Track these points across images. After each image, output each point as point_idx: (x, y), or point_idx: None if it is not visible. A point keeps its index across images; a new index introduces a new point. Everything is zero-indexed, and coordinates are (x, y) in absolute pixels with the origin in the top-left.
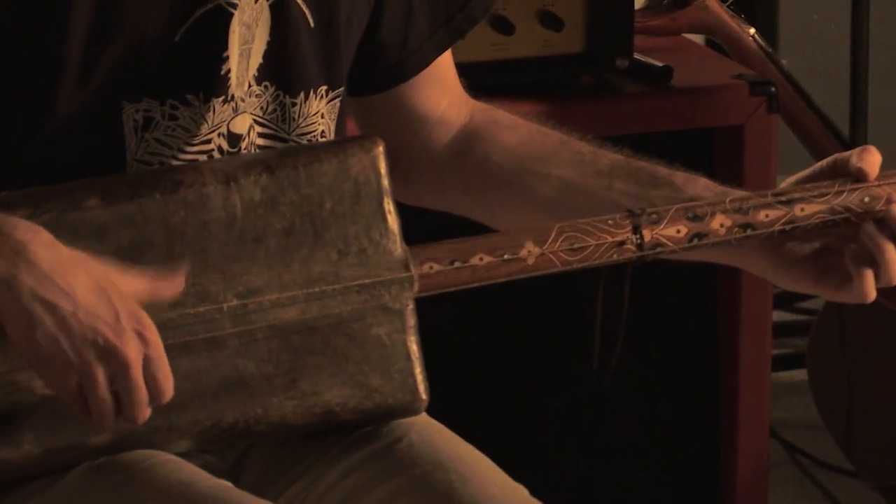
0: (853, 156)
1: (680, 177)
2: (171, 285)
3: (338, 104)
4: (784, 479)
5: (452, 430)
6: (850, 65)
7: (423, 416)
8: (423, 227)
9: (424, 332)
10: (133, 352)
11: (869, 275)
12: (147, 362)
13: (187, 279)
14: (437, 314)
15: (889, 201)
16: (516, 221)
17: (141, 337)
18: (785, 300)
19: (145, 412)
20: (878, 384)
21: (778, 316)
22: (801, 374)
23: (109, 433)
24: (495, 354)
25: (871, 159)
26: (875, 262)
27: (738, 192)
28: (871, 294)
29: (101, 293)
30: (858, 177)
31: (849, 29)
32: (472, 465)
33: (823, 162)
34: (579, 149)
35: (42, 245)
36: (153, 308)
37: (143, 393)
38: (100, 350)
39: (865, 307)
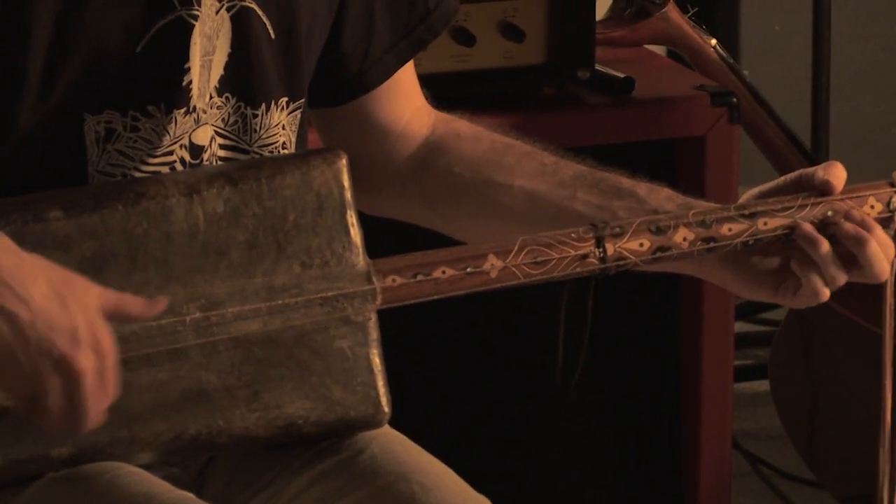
0: (819, 170)
1: (643, 187)
2: (145, 306)
3: (299, 115)
4: (746, 490)
5: (415, 441)
6: (811, 75)
7: (386, 427)
8: (387, 240)
9: (387, 344)
10: (86, 364)
11: (815, 279)
12: (99, 375)
13: (150, 292)
14: (400, 327)
15: (847, 217)
16: (479, 232)
17: (97, 349)
18: (747, 311)
19: (92, 424)
20: (841, 394)
21: (740, 327)
22: (763, 385)
23: (71, 445)
24: (458, 366)
25: (836, 174)
26: (816, 264)
27: (702, 204)
28: (821, 296)
29: (61, 302)
30: (823, 190)
31: (810, 39)
32: (435, 476)
33: (789, 175)
34: (542, 159)
35: (2, 250)
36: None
37: (93, 404)
38: (54, 361)
39: (828, 318)
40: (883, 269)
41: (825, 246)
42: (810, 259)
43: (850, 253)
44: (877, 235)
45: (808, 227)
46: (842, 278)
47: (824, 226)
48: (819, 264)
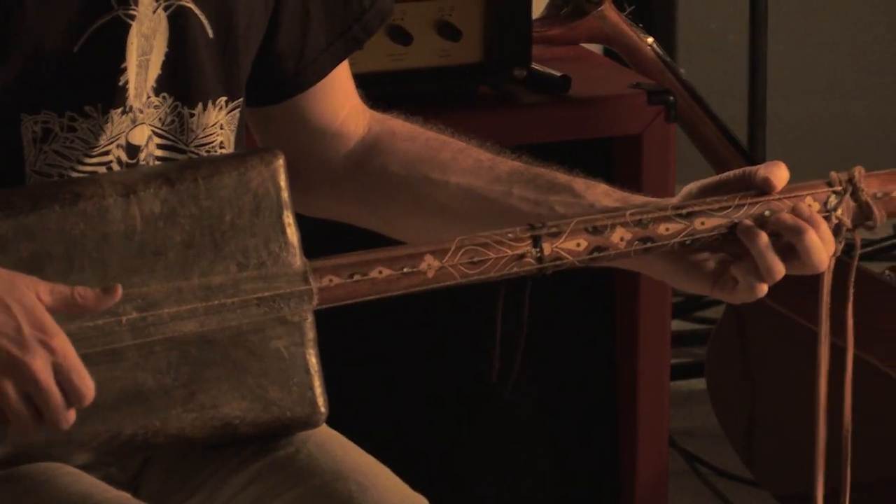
0: (761, 169)
1: (579, 182)
2: (98, 297)
3: (237, 115)
4: (684, 489)
5: (353, 441)
6: (748, 73)
7: (323, 427)
8: (325, 240)
9: (324, 344)
10: (38, 362)
11: (753, 270)
12: (57, 369)
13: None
14: (337, 326)
15: (792, 210)
16: (416, 230)
17: (46, 345)
18: (684, 309)
19: (66, 417)
20: (778, 393)
21: (677, 325)
22: (700, 383)
23: (9, 445)
24: (395, 367)
25: (778, 174)
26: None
27: (638, 198)
28: (759, 292)
29: (1, 305)
30: (764, 189)
31: (747, 37)
32: (372, 475)
33: (733, 172)
34: (478, 156)
35: None
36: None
37: (56, 399)
38: (4, 364)
39: (764, 315)
40: (821, 260)
41: (763, 237)
42: (749, 253)
43: (788, 244)
44: (819, 229)
45: (747, 220)
46: (779, 270)
47: (762, 223)
48: (757, 256)
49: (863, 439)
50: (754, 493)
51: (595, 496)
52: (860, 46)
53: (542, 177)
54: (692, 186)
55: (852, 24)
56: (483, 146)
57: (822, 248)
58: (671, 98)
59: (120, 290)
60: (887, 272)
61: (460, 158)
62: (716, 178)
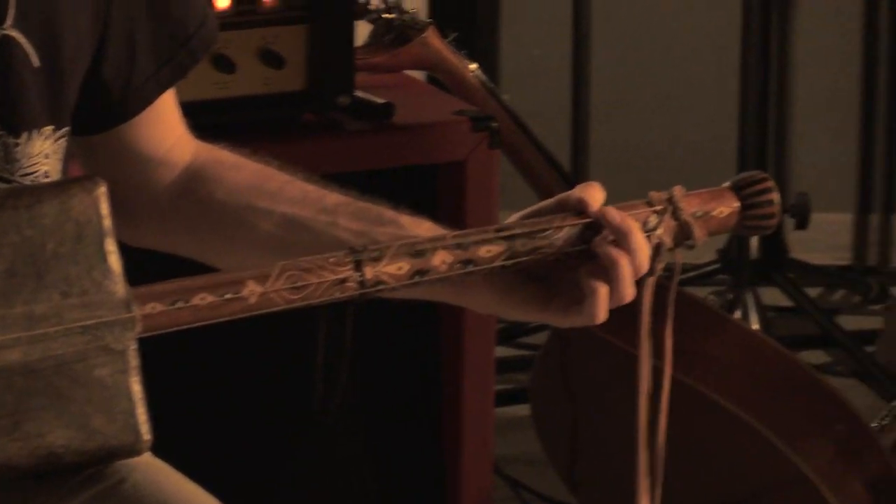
0: (576, 191)
1: (405, 218)
2: None
3: (63, 144)
4: None
5: (178, 469)
6: (571, 99)
7: (148, 456)
8: (151, 268)
9: (150, 372)
10: None
11: (602, 293)
12: None
13: None
14: (163, 354)
15: (612, 235)
16: (243, 261)
17: None
18: (508, 336)
19: None
20: (600, 417)
21: (501, 351)
22: (524, 409)
23: None
24: (222, 394)
25: (593, 194)
26: (609, 278)
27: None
28: (602, 314)
29: None
30: (580, 210)
31: (570, 63)
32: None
33: (550, 200)
34: (304, 187)
35: None
36: None
37: None
38: None
39: (586, 340)
40: (627, 294)
41: (623, 260)
42: (603, 278)
43: (602, 269)
44: (637, 251)
45: (608, 250)
46: (629, 294)
47: (585, 242)
48: (613, 280)
49: (683, 462)
50: None
51: None
52: (680, 70)
53: (368, 210)
54: (513, 219)
55: (672, 47)
56: (310, 178)
57: (631, 281)
58: (495, 124)
59: None
60: (710, 297)
61: (287, 189)
62: (535, 206)
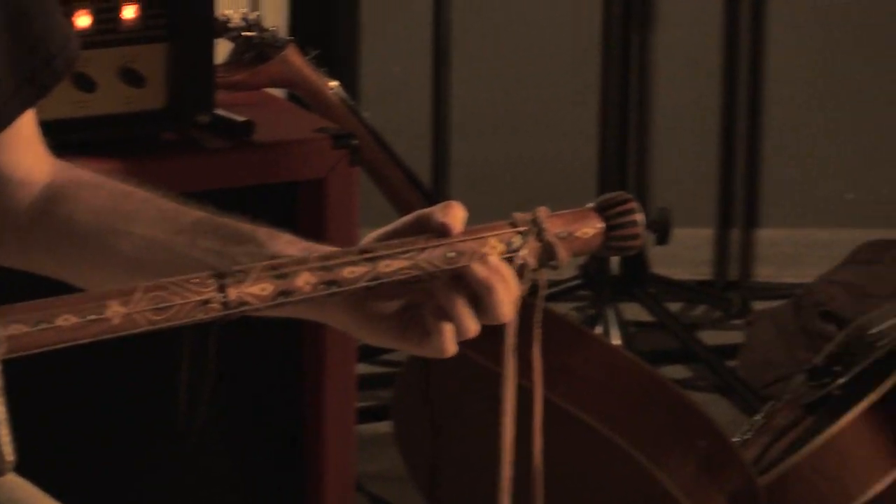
0: (436, 211)
1: (263, 232)
2: None
3: None
4: None
5: (43, 490)
6: (431, 116)
7: (11, 475)
8: (13, 288)
9: (12, 391)
10: None
11: (446, 329)
12: None
13: None
14: (27, 374)
15: (475, 257)
16: (104, 281)
17: None
18: (369, 353)
19: None
20: (463, 436)
21: (363, 368)
22: (386, 427)
23: None
24: (85, 413)
25: (454, 214)
26: (450, 316)
27: (324, 248)
28: (450, 349)
29: None
30: (442, 231)
31: (430, 80)
32: None
33: (408, 217)
34: (162, 206)
35: None
36: None
37: None
38: None
39: (451, 358)
40: (506, 314)
41: (461, 301)
42: (441, 309)
43: (476, 295)
44: (506, 279)
45: (445, 286)
46: (474, 330)
47: (455, 272)
48: (453, 319)
49: (548, 479)
50: None
51: None
52: (540, 87)
53: (225, 227)
54: (371, 237)
55: (533, 64)
56: (169, 197)
57: (508, 302)
58: (355, 142)
59: None
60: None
61: (144, 209)
62: (393, 225)
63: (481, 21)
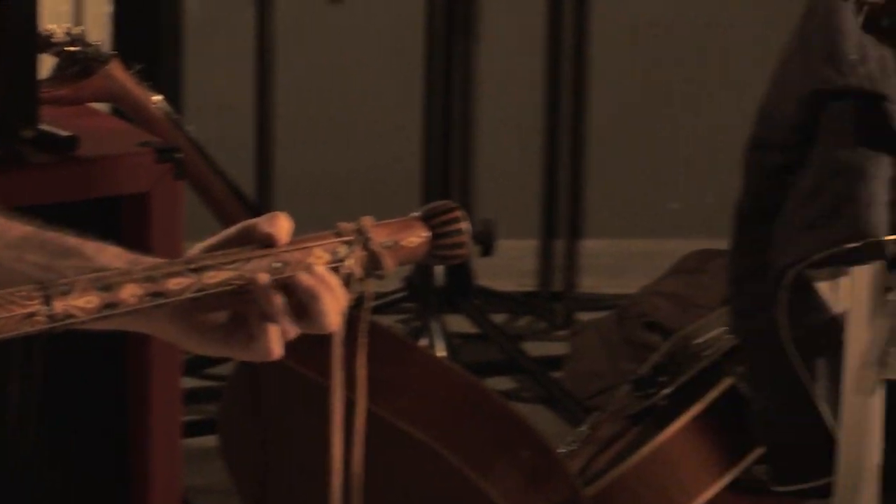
0: (262, 222)
1: (90, 246)
2: None
3: None
4: None
5: None
6: (254, 129)
7: None
8: None
9: None
10: None
11: (271, 331)
12: None
13: None
14: None
15: (301, 267)
16: None
17: None
18: (195, 366)
19: None
20: (291, 448)
21: (188, 382)
22: (213, 440)
23: None
24: None
25: (280, 224)
26: (274, 319)
27: (150, 260)
28: (276, 351)
29: None
30: (267, 242)
31: (253, 94)
32: None
33: (233, 229)
34: None
35: None
36: None
37: None
38: None
39: (276, 370)
40: (332, 323)
41: (278, 299)
42: (264, 313)
43: (302, 304)
44: (334, 292)
45: (263, 281)
46: (293, 331)
47: (280, 281)
48: (272, 318)
49: (375, 493)
50: None
51: None
52: (363, 97)
53: (53, 242)
54: (197, 249)
55: (356, 74)
56: None
57: (335, 311)
58: (179, 155)
59: None
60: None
61: None
62: (219, 236)
63: (304, 33)
